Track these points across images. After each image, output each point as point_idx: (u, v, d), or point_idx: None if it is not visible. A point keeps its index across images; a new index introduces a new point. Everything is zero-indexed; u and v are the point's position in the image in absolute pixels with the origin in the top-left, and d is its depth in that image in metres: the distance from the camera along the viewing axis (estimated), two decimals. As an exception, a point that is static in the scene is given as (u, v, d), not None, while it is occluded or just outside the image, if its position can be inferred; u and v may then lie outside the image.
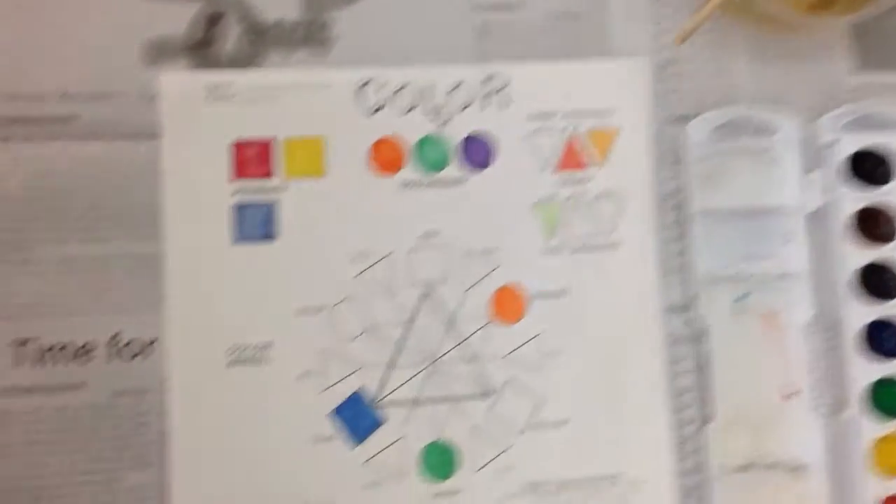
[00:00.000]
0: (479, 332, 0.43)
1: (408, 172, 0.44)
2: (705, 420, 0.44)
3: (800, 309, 0.45)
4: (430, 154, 0.45)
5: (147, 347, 0.42)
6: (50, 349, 0.41)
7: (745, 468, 0.43)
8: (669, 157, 0.46)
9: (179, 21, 0.44)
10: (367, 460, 0.42)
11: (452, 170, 0.45)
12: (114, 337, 0.42)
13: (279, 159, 0.43)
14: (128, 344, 0.42)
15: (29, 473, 0.40)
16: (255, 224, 0.43)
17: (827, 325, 0.45)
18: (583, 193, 0.45)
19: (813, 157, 0.47)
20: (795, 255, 0.45)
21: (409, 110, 0.45)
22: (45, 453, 0.40)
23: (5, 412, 0.40)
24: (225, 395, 0.41)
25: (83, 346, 0.41)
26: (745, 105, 0.47)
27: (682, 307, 0.45)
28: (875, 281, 0.45)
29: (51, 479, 0.40)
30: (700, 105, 0.47)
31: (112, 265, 0.42)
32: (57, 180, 0.42)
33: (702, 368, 0.44)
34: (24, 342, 0.41)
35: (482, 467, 0.42)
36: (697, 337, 0.45)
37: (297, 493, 0.41)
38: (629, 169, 0.46)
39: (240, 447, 0.41)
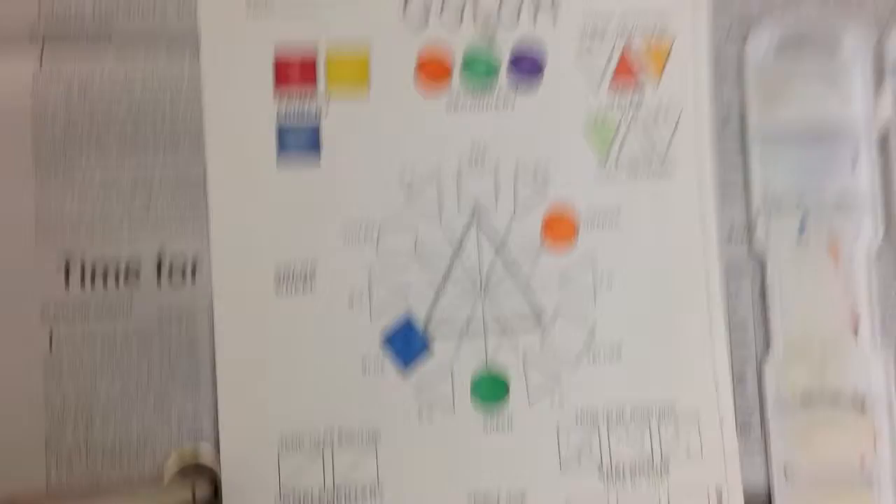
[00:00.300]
0: (529, 256, 0.42)
1: (455, 91, 0.42)
2: (765, 352, 0.42)
3: (867, 236, 0.43)
4: (478, 70, 0.42)
5: (193, 271, 0.41)
6: (96, 272, 0.40)
7: (806, 402, 0.42)
8: (728, 72, 0.44)
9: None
10: (417, 388, 0.41)
11: (501, 88, 0.42)
12: (159, 260, 0.41)
13: (322, 76, 0.42)
14: (174, 267, 0.41)
15: (79, 397, 0.40)
16: (299, 144, 0.41)
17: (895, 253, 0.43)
18: (637, 112, 0.43)
19: (883, 72, 0.44)
20: (863, 178, 0.43)
21: (457, 21, 0.43)
22: (95, 377, 0.40)
23: (54, 336, 0.40)
24: (272, 320, 0.40)
25: (129, 269, 0.41)
26: (811, 13, 0.44)
27: (742, 234, 0.43)
28: (950, 206, 0.43)
29: (101, 403, 0.40)
30: (762, 14, 0.44)
31: (155, 185, 0.41)
32: (97, 98, 0.41)
33: (762, 298, 0.43)
34: (69, 265, 0.40)
35: (534, 396, 0.41)
36: (757, 265, 0.43)
37: (344, 420, 0.40)
38: (685, 85, 0.43)
39: (287, 372, 0.40)
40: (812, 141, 0.43)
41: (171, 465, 0.39)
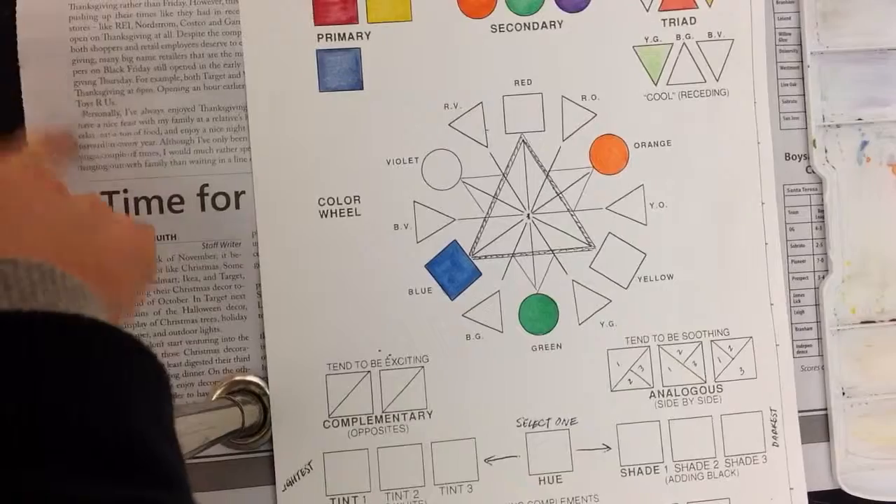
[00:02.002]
0: (577, 183, 0.41)
1: (500, 14, 0.41)
2: (823, 272, 0.41)
3: (929, 156, 0.41)
4: (526, -10, 0.41)
5: (237, 199, 0.41)
6: (140, 201, 0.40)
7: (865, 324, 0.41)
8: (786, -10, 0.42)
9: None
10: (465, 313, 0.40)
11: (547, 10, 0.41)
12: (202, 188, 0.40)
13: (363, 1, 0.41)
14: (217, 195, 0.41)
15: (127, 323, 0.40)
16: (341, 72, 0.41)
17: (960, 172, 0.41)
18: (689, 34, 0.42)
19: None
20: (927, 97, 0.41)
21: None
22: (143, 303, 0.40)
23: (100, 262, 0.40)
24: (317, 246, 0.40)
25: (172, 198, 0.40)
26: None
27: (799, 156, 0.42)
28: None
29: (149, 328, 0.40)
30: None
31: (196, 116, 0.41)
32: (135, 29, 0.40)
33: (821, 218, 0.41)
34: (114, 194, 0.40)
35: (584, 321, 0.41)
36: (816, 184, 0.42)
37: (392, 343, 0.40)
38: (740, 5, 0.42)
39: (334, 298, 0.40)
40: (871, 61, 0.42)
41: (220, 389, 0.39)
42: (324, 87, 0.41)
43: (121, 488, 0.20)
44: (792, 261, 0.41)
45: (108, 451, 0.21)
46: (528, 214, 0.41)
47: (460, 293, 0.40)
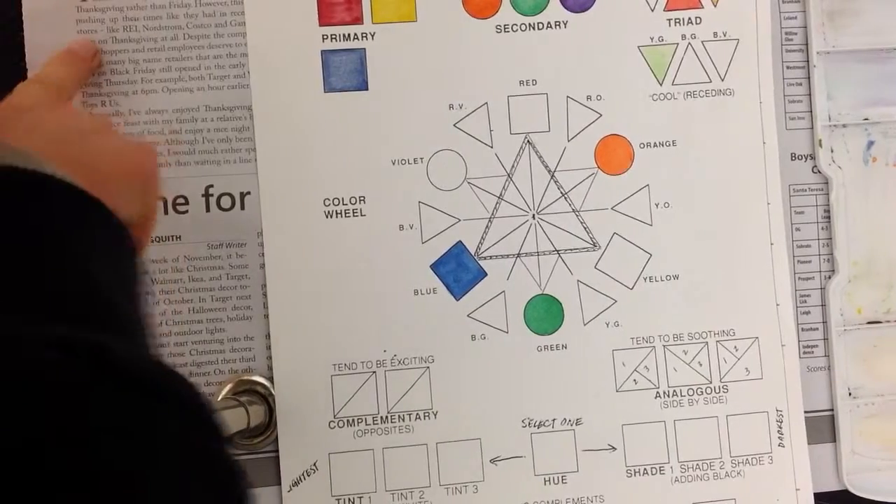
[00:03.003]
0: (582, 183, 0.41)
1: (504, 14, 0.41)
2: (830, 272, 0.41)
3: (936, 156, 0.41)
4: (531, -10, 0.41)
5: (242, 200, 0.41)
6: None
7: (872, 324, 0.41)
8: (791, -10, 0.42)
9: None
10: (470, 313, 0.40)
11: (552, 10, 0.41)
12: (207, 189, 0.41)
13: (368, 1, 0.41)
14: (222, 196, 0.41)
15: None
16: (346, 72, 0.41)
17: (967, 172, 0.41)
18: (695, 34, 0.41)
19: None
20: (933, 96, 0.41)
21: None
22: (148, 304, 0.40)
23: (106, 263, 0.40)
24: (322, 247, 0.40)
25: (177, 199, 0.40)
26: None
27: (805, 156, 0.42)
28: None
29: (154, 329, 0.40)
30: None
31: (200, 116, 0.41)
32: (142, 32, 0.40)
33: (827, 218, 0.41)
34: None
35: (589, 321, 0.40)
36: (822, 184, 0.41)
37: (397, 343, 0.40)
38: (746, 5, 0.41)
39: (339, 299, 0.40)
40: (878, 57, 0.41)
41: (225, 389, 0.40)
42: (329, 87, 0.41)
43: (60, 328, 0.20)
44: (798, 261, 0.41)
45: (49, 290, 0.21)
46: (534, 215, 0.41)
47: (465, 294, 0.40)
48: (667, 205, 0.41)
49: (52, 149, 0.26)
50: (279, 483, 0.39)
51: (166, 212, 0.40)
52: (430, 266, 0.40)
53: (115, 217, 0.25)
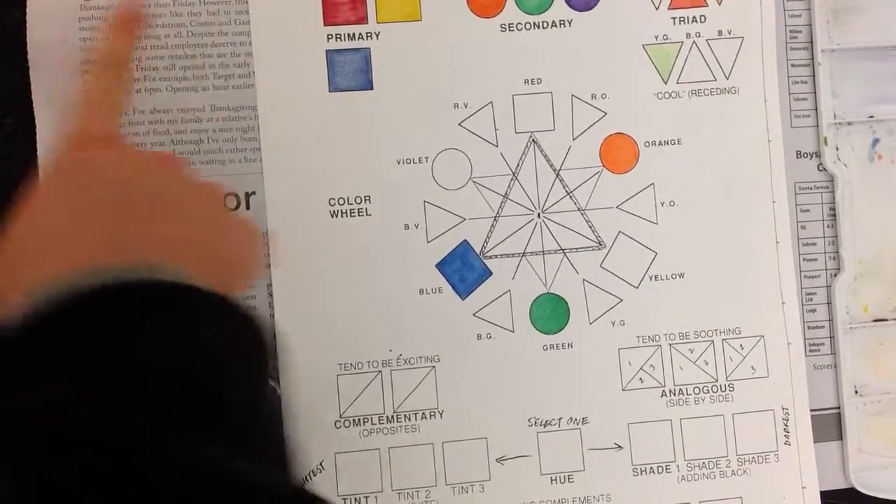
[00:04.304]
0: (588, 182, 0.41)
1: (509, 13, 0.41)
2: (835, 270, 0.41)
3: (941, 153, 0.41)
4: (535, -11, 0.41)
5: (247, 200, 0.40)
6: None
7: (878, 322, 0.41)
8: (796, -13, 0.42)
9: None
10: (476, 312, 0.40)
11: (557, 9, 0.41)
12: (213, 188, 0.40)
13: (372, 1, 0.41)
14: (227, 196, 0.40)
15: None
16: (351, 72, 0.40)
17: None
18: (699, 32, 0.41)
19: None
20: (938, 94, 0.41)
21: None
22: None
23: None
24: (327, 247, 0.40)
25: (183, 198, 0.40)
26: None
27: (811, 153, 0.42)
28: None
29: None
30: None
31: (205, 116, 0.40)
32: (145, 29, 0.40)
33: (832, 216, 0.41)
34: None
35: (595, 320, 0.40)
36: (827, 182, 0.41)
37: (403, 342, 0.40)
38: (750, 3, 0.41)
39: (344, 298, 0.40)
40: (883, 55, 0.41)
41: (232, 390, 0.39)
42: (334, 87, 0.41)
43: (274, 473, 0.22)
44: (804, 259, 0.41)
45: (232, 421, 0.22)
46: (539, 214, 0.41)
47: (471, 293, 0.40)
48: (672, 203, 0.41)
49: (170, 248, 0.26)
50: (285, 483, 0.39)
51: (171, 212, 0.40)
52: (436, 265, 0.40)
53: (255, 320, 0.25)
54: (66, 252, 0.24)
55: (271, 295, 0.40)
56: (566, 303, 0.40)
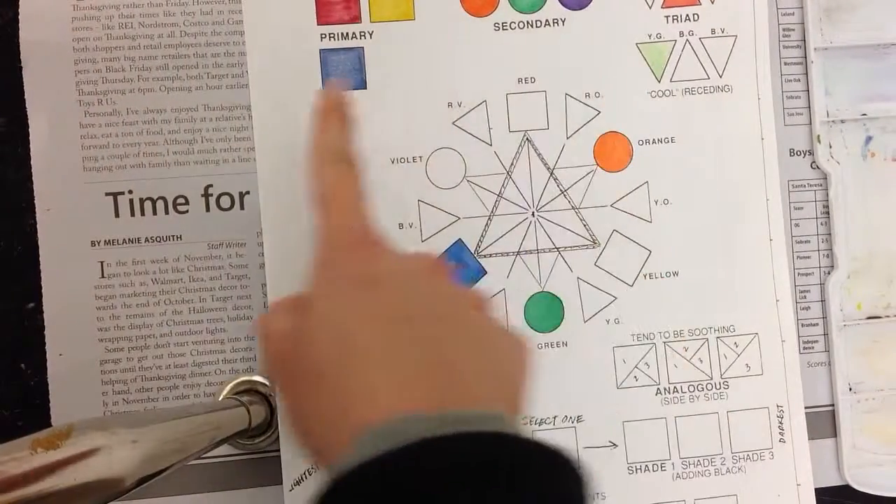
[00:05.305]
0: (582, 180, 0.41)
1: (502, 12, 0.41)
2: (829, 268, 0.41)
3: (934, 151, 0.41)
4: (529, -12, 0.41)
5: (241, 199, 0.40)
6: (145, 201, 0.40)
7: (871, 319, 0.41)
8: (789, -13, 0.42)
9: None
10: (470, 311, 0.40)
11: (550, 8, 0.41)
12: (207, 189, 0.40)
13: (366, 0, 0.41)
14: (221, 196, 0.40)
15: (133, 324, 0.40)
16: (345, 71, 0.40)
17: (965, 167, 0.41)
18: (692, 30, 0.42)
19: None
20: (931, 92, 0.41)
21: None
22: (148, 304, 0.40)
23: (106, 264, 0.40)
24: (322, 246, 0.40)
25: (177, 199, 0.40)
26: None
27: (804, 151, 0.42)
28: None
29: (155, 329, 0.40)
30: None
31: (199, 116, 0.40)
32: (138, 29, 0.40)
33: (826, 213, 0.41)
34: (118, 195, 0.40)
35: (589, 318, 0.40)
36: (821, 180, 0.42)
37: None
38: (743, 1, 0.41)
39: (339, 298, 0.40)
40: (876, 53, 0.41)
41: (226, 389, 0.39)
42: (327, 85, 0.40)
43: None
44: (797, 257, 0.41)
45: None
46: (533, 212, 0.41)
47: (466, 292, 0.40)
48: (666, 201, 0.41)
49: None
50: (281, 483, 0.39)
51: (167, 212, 0.40)
52: (430, 264, 0.40)
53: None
54: (400, 390, 0.21)
55: (266, 295, 0.40)
56: (561, 301, 0.40)
